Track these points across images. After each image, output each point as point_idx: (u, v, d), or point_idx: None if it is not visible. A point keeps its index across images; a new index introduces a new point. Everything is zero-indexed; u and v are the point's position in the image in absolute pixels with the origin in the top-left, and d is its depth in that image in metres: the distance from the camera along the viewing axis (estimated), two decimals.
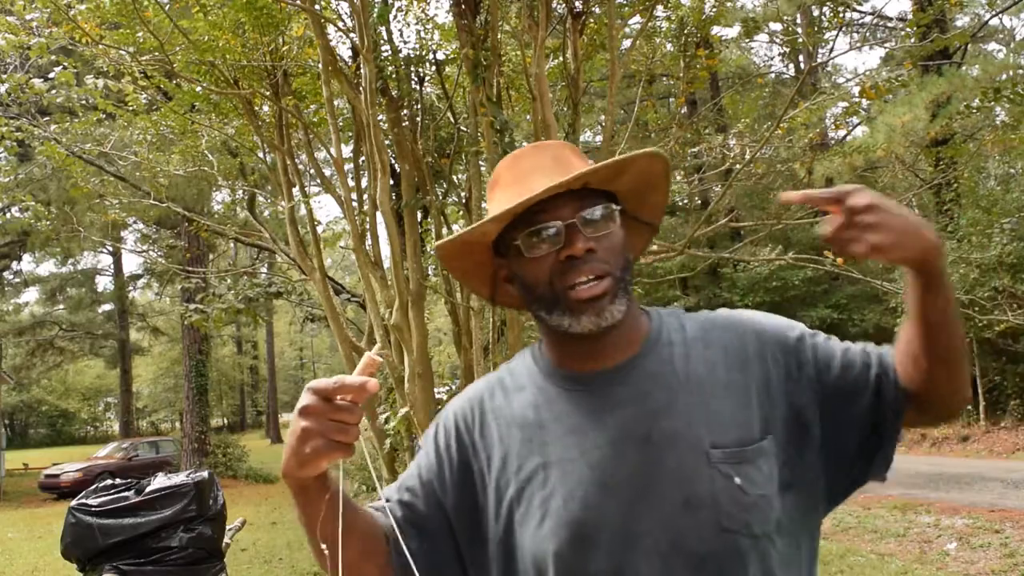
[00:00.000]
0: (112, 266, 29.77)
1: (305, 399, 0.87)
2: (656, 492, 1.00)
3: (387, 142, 5.15)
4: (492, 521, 1.10)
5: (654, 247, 7.74)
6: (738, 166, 7.39)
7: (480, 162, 4.90)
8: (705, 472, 1.00)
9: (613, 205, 1.07)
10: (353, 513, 0.98)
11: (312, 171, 7.31)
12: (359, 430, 0.88)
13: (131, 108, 6.60)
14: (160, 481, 4.14)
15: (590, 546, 1.01)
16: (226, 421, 43.94)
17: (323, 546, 0.92)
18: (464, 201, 5.18)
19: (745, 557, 0.99)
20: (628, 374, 1.07)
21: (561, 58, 5.48)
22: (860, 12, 19.29)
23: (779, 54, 24.32)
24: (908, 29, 14.19)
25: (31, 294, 32.33)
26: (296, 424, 0.88)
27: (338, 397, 0.86)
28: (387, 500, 1.10)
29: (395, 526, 1.03)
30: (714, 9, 6.16)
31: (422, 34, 5.77)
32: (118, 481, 4.26)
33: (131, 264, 31.18)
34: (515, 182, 1.09)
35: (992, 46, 22.92)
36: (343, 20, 5.45)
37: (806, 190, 0.97)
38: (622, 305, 1.04)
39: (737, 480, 0.99)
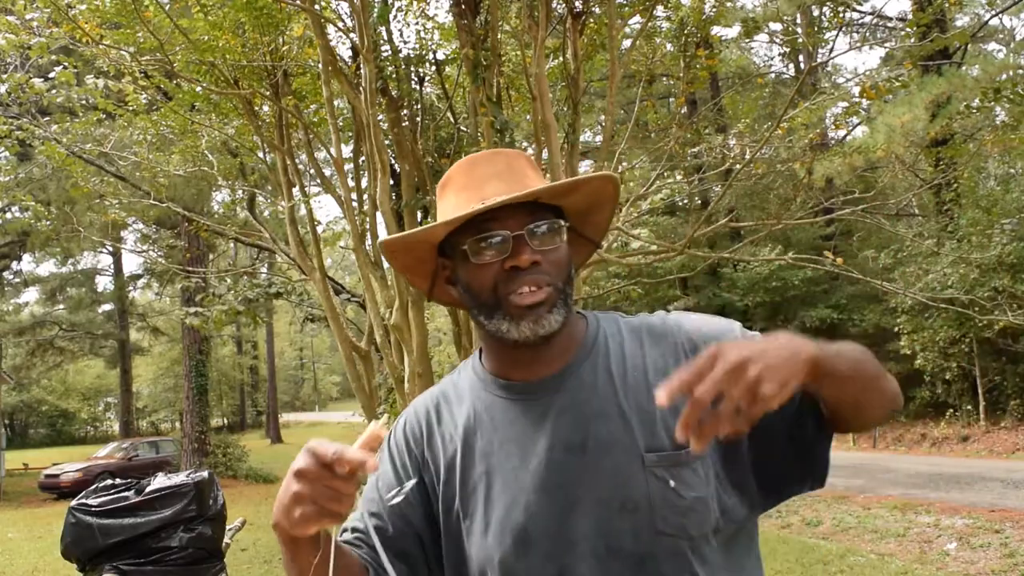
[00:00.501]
0: (112, 266, 29.80)
1: (301, 461, 0.85)
2: (593, 497, 1.02)
3: (387, 142, 5.15)
4: (443, 533, 1.12)
5: (653, 247, 7.75)
6: (738, 166, 7.40)
7: None
8: (640, 476, 1.01)
9: (561, 221, 1.09)
10: (341, 558, 0.98)
11: (312, 171, 7.31)
12: (354, 500, 0.86)
13: (131, 108, 6.61)
14: (160, 481, 4.13)
15: (532, 552, 1.03)
16: (226, 421, 43.90)
17: None
18: None
19: (682, 559, 1.01)
20: (564, 381, 1.09)
21: (561, 58, 5.48)
22: (860, 12, 19.31)
23: (779, 54, 24.34)
24: (908, 29, 14.19)
25: (31, 294, 32.34)
26: (289, 484, 0.86)
27: (336, 467, 0.84)
28: (354, 531, 1.11)
29: (381, 549, 1.03)
30: (714, 9, 6.16)
31: (422, 34, 5.77)
32: (118, 481, 4.25)
33: (131, 264, 31.21)
34: (468, 187, 1.11)
35: (992, 46, 22.94)
36: (343, 20, 5.46)
37: (677, 378, 0.83)
38: (559, 316, 1.05)
39: (672, 483, 1.01)
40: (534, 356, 1.09)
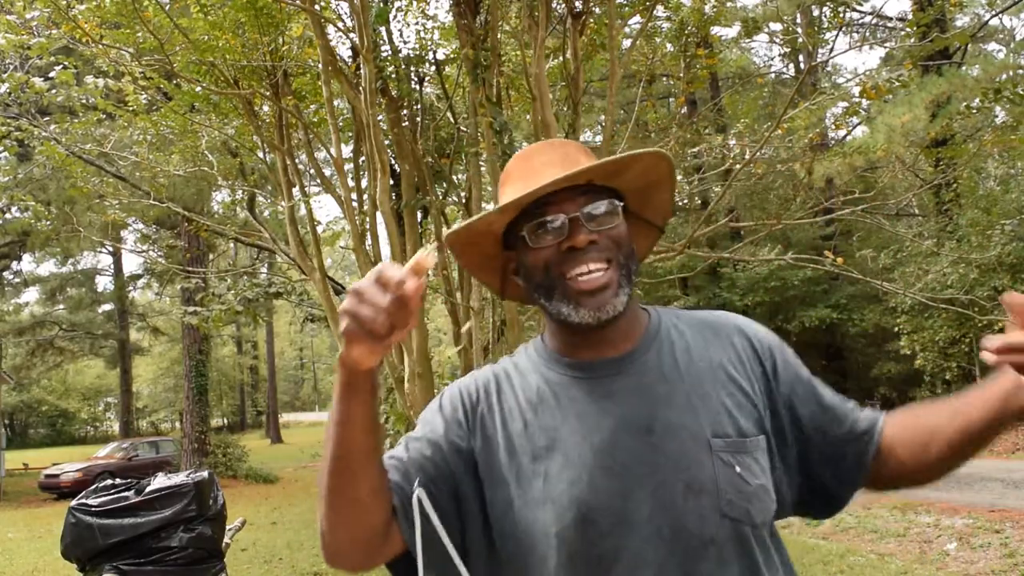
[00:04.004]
0: (112, 266, 29.80)
1: (359, 282, 0.88)
2: (657, 479, 1.02)
3: (387, 142, 5.15)
4: (492, 502, 1.08)
5: (653, 247, 7.73)
6: (738, 166, 7.39)
7: (480, 162, 4.90)
8: (706, 459, 1.02)
9: (616, 201, 1.10)
10: (377, 440, 0.98)
11: (312, 171, 7.31)
12: (394, 329, 0.86)
13: (131, 108, 6.61)
14: (160, 481, 4.13)
15: (593, 528, 1.02)
16: (226, 421, 43.90)
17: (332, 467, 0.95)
18: (464, 201, 5.18)
19: (745, 544, 1.02)
20: (629, 365, 1.10)
21: (561, 58, 5.48)
22: (860, 12, 19.31)
23: (779, 54, 24.34)
24: (908, 29, 14.19)
25: (31, 294, 32.36)
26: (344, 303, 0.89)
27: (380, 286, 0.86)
28: (391, 457, 1.10)
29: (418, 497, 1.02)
30: (714, 9, 6.16)
31: (422, 34, 5.77)
32: (118, 481, 4.25)
33: (131, 264, 31.21)
34: (524, 177, 1.12)
35: (992, 46, 22.94)
36: (343, 20, 5.46)
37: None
38: (623, 297, 1.07)
39: (738, 469, 1.02)
40: (600, 337, 1.10)
